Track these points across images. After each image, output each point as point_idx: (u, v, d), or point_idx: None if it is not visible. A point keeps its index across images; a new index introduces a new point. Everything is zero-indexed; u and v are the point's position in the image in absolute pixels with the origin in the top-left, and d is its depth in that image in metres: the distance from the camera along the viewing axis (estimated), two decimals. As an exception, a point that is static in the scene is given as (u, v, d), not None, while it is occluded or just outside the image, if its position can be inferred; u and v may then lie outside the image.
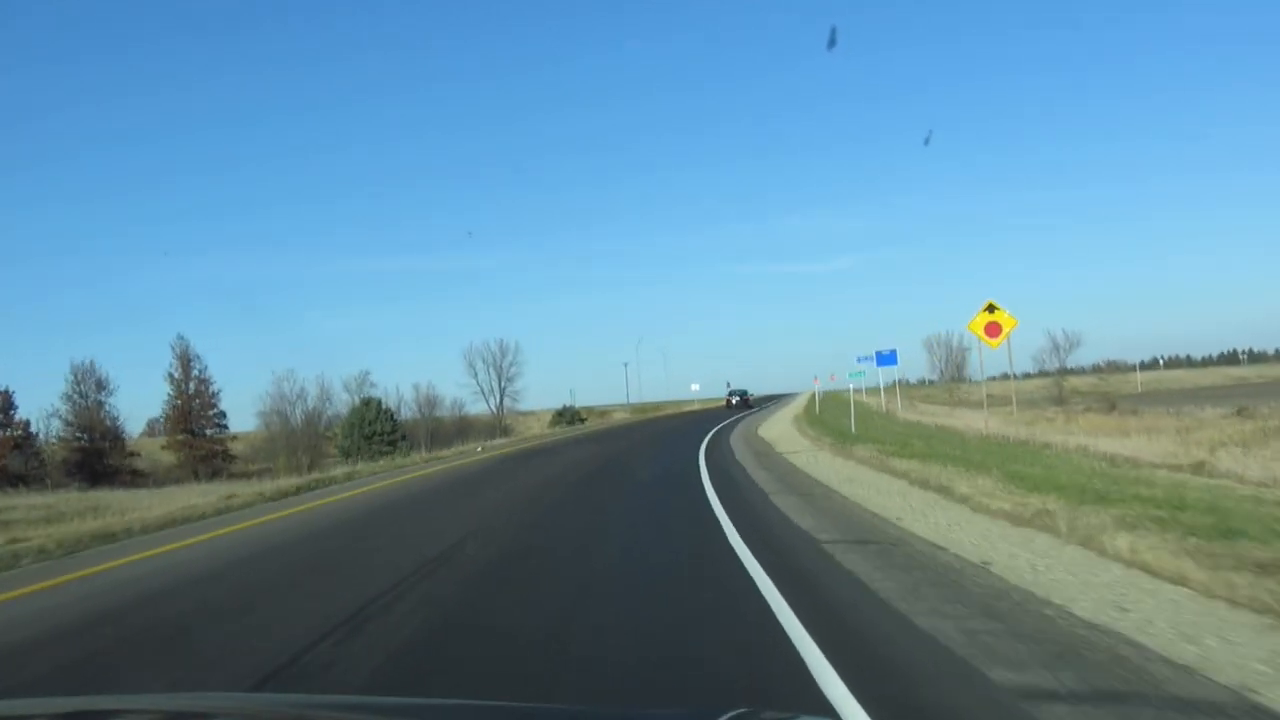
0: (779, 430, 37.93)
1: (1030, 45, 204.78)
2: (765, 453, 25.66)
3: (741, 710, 2.28)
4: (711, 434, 38.49)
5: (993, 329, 33.66)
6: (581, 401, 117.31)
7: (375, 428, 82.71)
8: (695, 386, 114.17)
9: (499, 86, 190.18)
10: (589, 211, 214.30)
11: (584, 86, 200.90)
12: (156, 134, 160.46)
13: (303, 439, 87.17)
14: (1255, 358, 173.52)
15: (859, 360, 77.51)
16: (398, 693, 5.39)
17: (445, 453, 32.94)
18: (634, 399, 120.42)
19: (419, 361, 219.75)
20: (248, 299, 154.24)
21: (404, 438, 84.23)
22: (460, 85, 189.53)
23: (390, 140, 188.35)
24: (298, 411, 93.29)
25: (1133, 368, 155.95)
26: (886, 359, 68.42)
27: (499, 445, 37.57)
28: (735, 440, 32.95)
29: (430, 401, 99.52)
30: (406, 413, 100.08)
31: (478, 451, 33.10)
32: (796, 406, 74.55)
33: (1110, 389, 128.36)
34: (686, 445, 31.00)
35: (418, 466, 29.70)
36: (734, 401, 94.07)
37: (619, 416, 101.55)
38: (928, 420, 50.71)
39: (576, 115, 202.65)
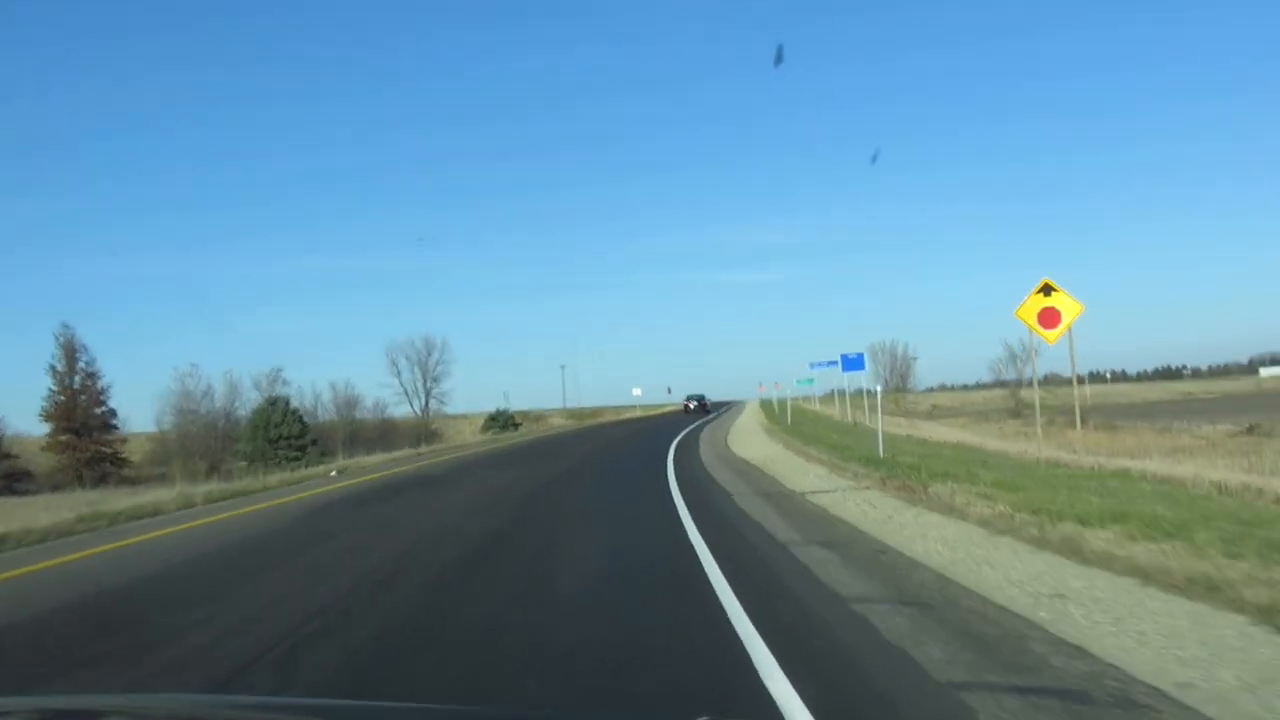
0: (761, 448, 27.72)
1: (968, 63, 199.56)
2: (777, 494, 15.30)
3: (708, 716, 2.30)
4: (673, 449, 28.37)
5: (1049, 317, 23.90)
6: (516, 405, 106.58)
7: (282, 430, 71.47)
8: (637, 391, 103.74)
9: (445, 89, 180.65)
10: (529, 216, 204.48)
11: (526, 93, 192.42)
12: (86, 131, 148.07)
13: (200, 443, 75.57)
14: (1195, 374, 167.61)
15: (813, 366, 68.13)
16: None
17: (269, 482, 20.66)
18: (572, 403, 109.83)
19: (349, 363, 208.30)
20: (177, 297, 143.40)
21: (314, 442, 73.04)
22: (407, 88, 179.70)
23: (331, 140, 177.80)
24: (203, 412, 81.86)
25: (1068, 381, 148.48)
26: (853, 363, 58.25)
27: (369, 467, 26.48)
28: (711, 462, 22.73)
29: (349, 402, 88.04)
30: (325, 414, 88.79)
31: (330, 477, 21.92)
32: (754, 415, 64.68)
33: (1059, 402, 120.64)
34: (648, 471, 20.79)
35: (182, 512, 16.69)
36: (691, 406, 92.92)
37: (556, 421, 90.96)
38: (923, 435, 41.00)
39: (517, 121, 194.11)
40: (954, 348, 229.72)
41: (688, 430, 43.89)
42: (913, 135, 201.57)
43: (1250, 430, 48.48)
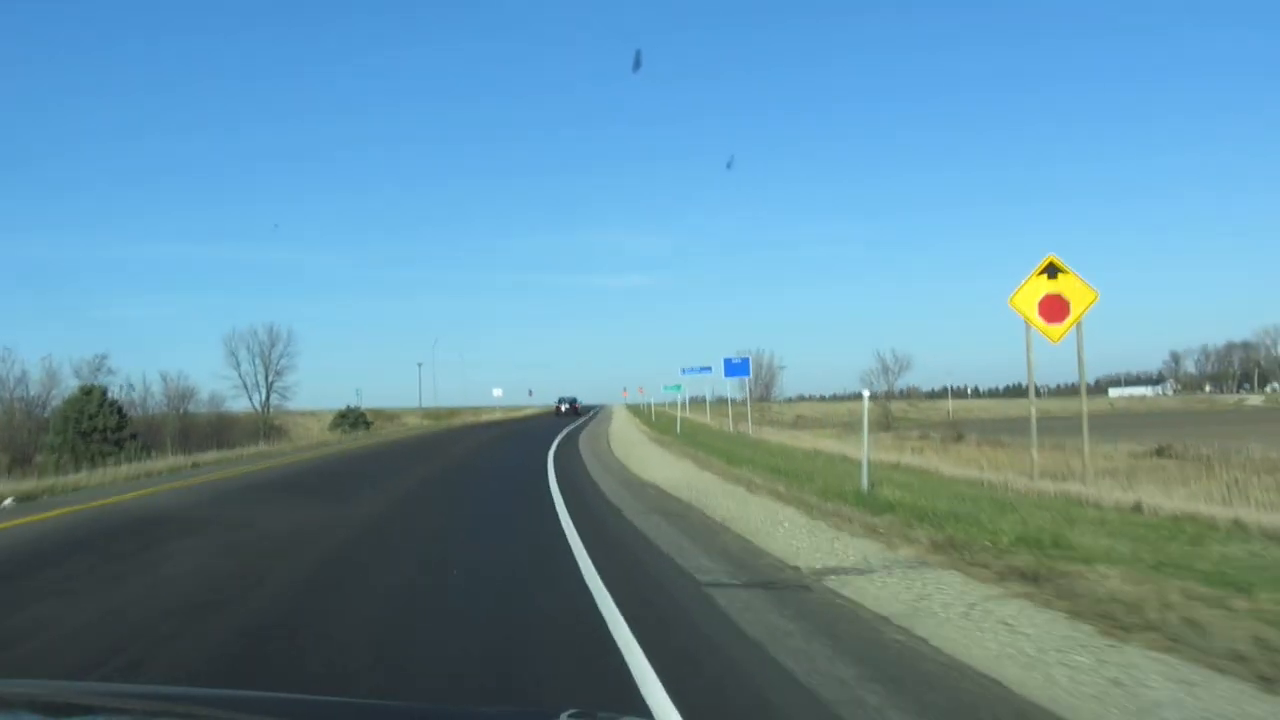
0: (668, 467, 20.66)
1: (832, 79, 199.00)
2: (779, 579, 7.99)
3: (575, 710, 2.23)
4: (552, 462, 21.22)
5: (1053, 307, 17.51)
6: (371, 403, 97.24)
7: (96, 423, 61.11)
8: (498, 392, 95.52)
9: (300, 82, 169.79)
10: (387, 213, 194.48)
11: (390, 89, 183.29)
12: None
13: (3, 433, 64.58)
14: (1045, 393, 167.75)
15: (684, 372, 62.18)
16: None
17: None
18: (429, 402, 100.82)
19: (194, 355, 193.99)
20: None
21: (134, 436, 62.94)
22: (270, 78, 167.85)
23: (193, 128, 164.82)
24: (11, 399, 70.66)
25: (929, 394, 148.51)
26: (738, 368, 51.76)
27: (100, 487, 17.39)
28: (615, 491, 15.43)
29: (182, 394, 77.48)
30: (156, 407, 78.07)
31: (2, 506, 13.76)
32: (628, 421, 57.90)
33: (922, 416, 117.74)
34: (529, 510, 13.49)
35: None
36: (563, 409, 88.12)
37: (411, 421, 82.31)
38: (828, 450, 34.57)
39: (379, 116, 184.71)
40: (813, 358, 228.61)
41: (561, 436, 36.68)
42: (777, 148, 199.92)
43: (1160, 452, 43.85)
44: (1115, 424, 77.04)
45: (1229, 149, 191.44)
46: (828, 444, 39.79)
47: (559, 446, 29.45)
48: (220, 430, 75.46)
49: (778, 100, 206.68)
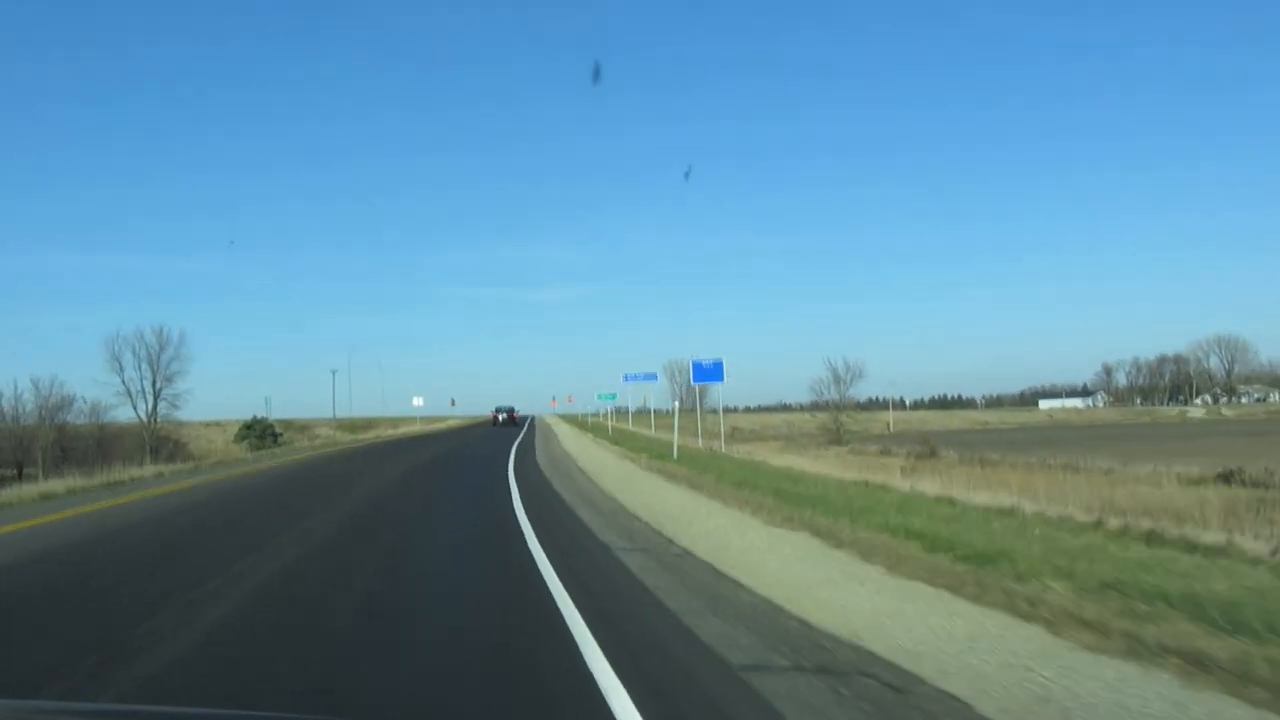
0: (785, 560, 10.27)
1: (771, 95, 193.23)
2: None
3: None
4: (538, 550, 10.50)
5: None
6: (283, 412, 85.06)
7: (-64, 437, 48.82)
8: (419, 401, 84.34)
9: (228, 89, 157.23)
10: (303, 220, 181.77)
11: (307, 98, 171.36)
12: None
13: None
14: (973, 404, 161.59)
15: (627, 379, 52.11)
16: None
17: None
18: (345, 412, 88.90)
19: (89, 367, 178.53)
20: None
21: (-15, 453, 50.68)
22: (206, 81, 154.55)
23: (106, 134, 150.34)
24: None
25: (865, 405, 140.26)
26: (709, 373, 41.72)
27: None
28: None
29: (57, 403, 64.66)
30: (27, 418, 65.31)
31: None
32: (581, 437, 47.42)
33: (861, 428, 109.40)
34: None
35: None
36: (501, 419, 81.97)
37: (324, 433, 70.61)
38: (882, 480, 24.47)
39: (290, 126, 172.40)
40: (742, 368, 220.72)
41: (513, 461, 26.22)
42: (716, 161, 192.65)
43: (1228, 479, 34.42)
44: (1085, 439, 68.90)
45: (1162, 166, 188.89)
46: (824, 466, 30.14)
47: (521, 482, 18.94)
48: (104, 443, 63.32)
49: (710, 111, 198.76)
